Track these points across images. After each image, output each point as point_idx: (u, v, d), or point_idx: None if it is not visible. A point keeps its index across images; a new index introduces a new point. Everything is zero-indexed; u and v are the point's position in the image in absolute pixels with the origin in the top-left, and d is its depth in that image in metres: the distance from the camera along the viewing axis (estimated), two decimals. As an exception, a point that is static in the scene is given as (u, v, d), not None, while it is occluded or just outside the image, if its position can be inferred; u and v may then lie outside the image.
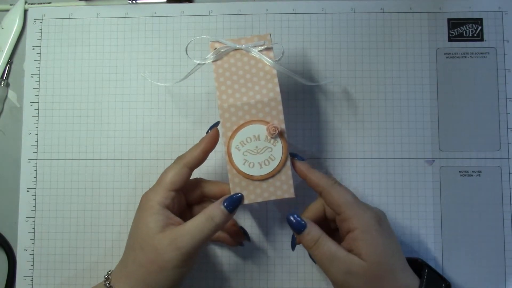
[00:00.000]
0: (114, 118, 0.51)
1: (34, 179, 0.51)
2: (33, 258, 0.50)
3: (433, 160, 0.50)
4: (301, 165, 0.42)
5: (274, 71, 0.41)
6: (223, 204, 0.39)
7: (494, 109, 0.50)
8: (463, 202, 0.49)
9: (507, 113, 0.50)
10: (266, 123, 0.40)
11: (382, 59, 0.51)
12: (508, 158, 0.50)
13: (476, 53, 0.51)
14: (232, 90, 0.41)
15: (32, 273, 0.50)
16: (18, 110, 0.52)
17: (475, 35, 0.51)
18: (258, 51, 0.41)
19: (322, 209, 0.43)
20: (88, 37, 0.52)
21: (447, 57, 0.51)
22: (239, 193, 0.40)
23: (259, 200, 0.40)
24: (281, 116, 0.40)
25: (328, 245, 0.39)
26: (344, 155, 0.50)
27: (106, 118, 0.51)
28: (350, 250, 0.39)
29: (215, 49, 0.41)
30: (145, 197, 0.41)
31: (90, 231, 0.50)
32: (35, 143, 0.51)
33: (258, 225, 0.50)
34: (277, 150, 0.40)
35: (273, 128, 0.39)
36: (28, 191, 0.51)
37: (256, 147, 0.40)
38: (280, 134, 0.40)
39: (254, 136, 0.40)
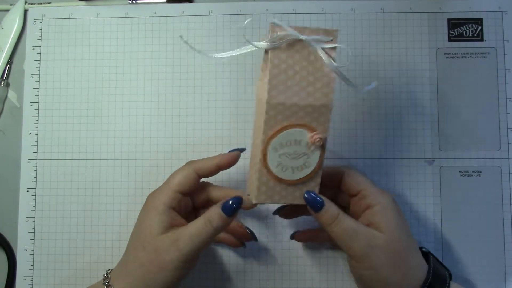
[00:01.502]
0: (114, 118, 0.51)
1: (34, 179, 0.51)
2: (33, 258, 0.50)
3: (433, 160, 0.50)
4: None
5: (333, 75, 0.37)
6: (221, 208, 0.39)
7: (494, 109, 0.50)
8: (463, 202, 0.49)
9: (507, 113, 0.50)
10: (312, 130, 0.37)
11: (382, 59, 0.51)
12: (508, 158, 0.50)
13: (476, 53, 0.51)
14: (284, 86, 0.36)
15: (32, 273, 0.50)
16: (18, 110, 0.52)
17: (475, 35, 0.51)
18: (322, 48, 0.36)
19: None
20: (88, 37, 0.52)
21: (447, 57, 0.51)
22: (238, 196, 0.39)
23: (282, 202, 0.39)
24: (328, 125, 0.37)
25: (348, 221, 0.39)
26: (344, 155, 0.50)
27: (106, 118, 0.51)
28: (368, 225, 0.40)
29: (275, 33, 0.35)
30: (151, 197, 0.41)
31: (90, 231, 0.50)
32: (35, 143, 0.51)
33: (258, 225, 0.50)
34: (314, 158, 0.38)
35: (318, 140, 0.37)
36: (28, 191, 0.51)
37: (295, 151, 0.37)
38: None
39: (296, 140, 0.37)
